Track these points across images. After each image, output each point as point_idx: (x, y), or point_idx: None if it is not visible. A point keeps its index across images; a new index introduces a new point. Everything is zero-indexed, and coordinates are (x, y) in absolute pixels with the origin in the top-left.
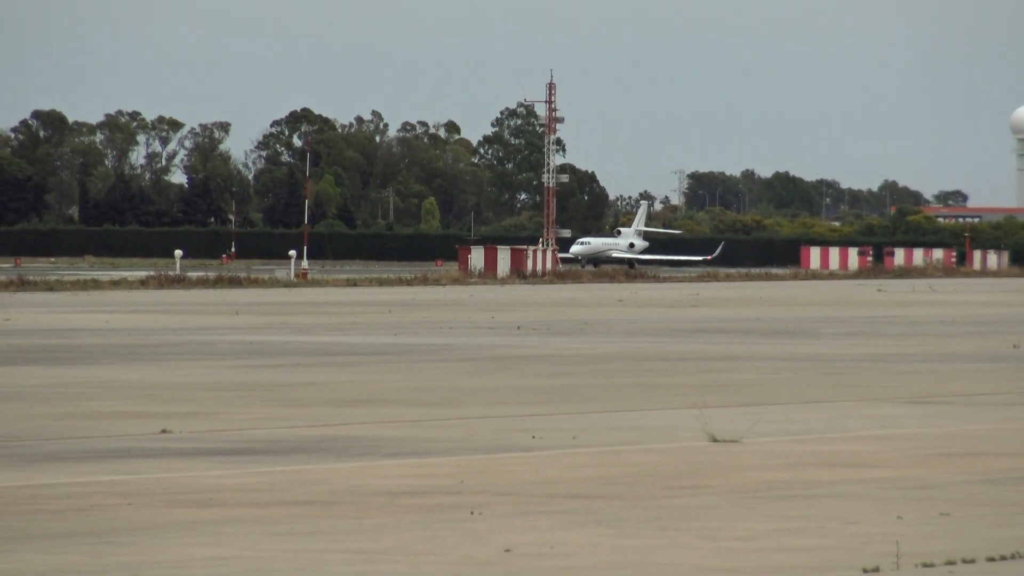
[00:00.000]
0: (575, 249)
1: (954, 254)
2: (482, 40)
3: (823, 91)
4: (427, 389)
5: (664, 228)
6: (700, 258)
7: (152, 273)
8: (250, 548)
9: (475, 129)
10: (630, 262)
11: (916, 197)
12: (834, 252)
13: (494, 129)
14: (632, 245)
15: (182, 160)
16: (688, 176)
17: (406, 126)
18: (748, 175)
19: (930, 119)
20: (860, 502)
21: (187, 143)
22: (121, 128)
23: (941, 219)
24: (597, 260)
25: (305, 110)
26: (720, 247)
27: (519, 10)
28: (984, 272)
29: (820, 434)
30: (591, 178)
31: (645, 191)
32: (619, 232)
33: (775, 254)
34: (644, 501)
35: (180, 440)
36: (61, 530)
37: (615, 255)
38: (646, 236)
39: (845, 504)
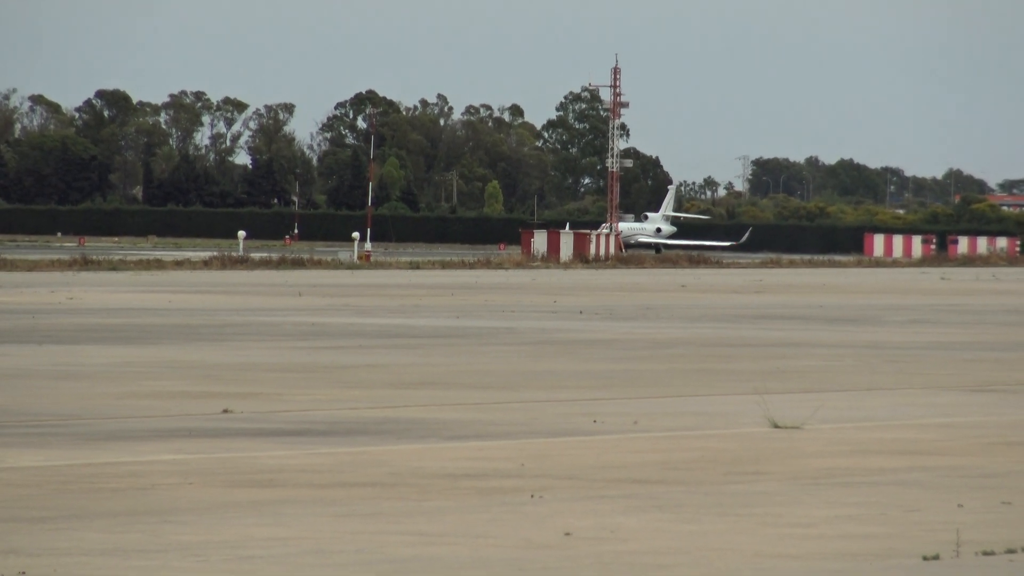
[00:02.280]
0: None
1: (1018, 243)
2: (547, 24)
3: (888, 78)
4: (489, 372)
5: (699, 214)
6: (728, 243)
7: (215, 254)
8: (310, 529)
9: (539, 113)
10: (656, 247)
11: (980, 185)
12: (898, 240)
13: (558, 113)
14: (659, 230)
15: (246, 141)
16: (752, 162)
17: (470, 109)
18: (812, 162)
19: (996, 107)
20: (921, 490)
21: (252, 124)
22: (186, 108)
23: (1005, 207)
24: (625, 244)
25: (370, 92)
26: (748, 232)
27: None
28: None
29: (882, 421)
30: (655, 163)
31: (710, 176)
32: (646, 217)
33: (838, 241)
34: (705, 487)
35: (241, 420)
36: (122, 509)
37: (642, 239)
38: (674, 221)
39: (906, 492)
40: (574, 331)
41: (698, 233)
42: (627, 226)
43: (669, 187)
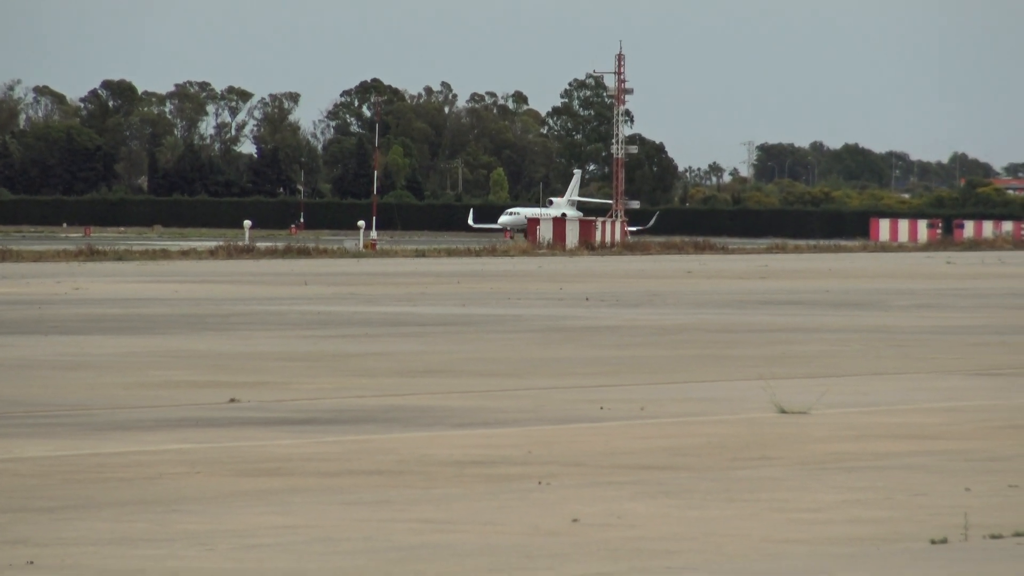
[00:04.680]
0: (503, 220)
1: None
2: (551, 11)
3: (893, 63)
4: (495, 360)
5: (597, 199)
6: (635, 228)
7: (221, 243)
8: (318, 517)
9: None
10: None
11: (986, 169)
12: (903, 224)
13: (563, 100)
14: (564, 215)
15: (251, 130)
16: (757, 148)
17: (475, 97)
18: (817, 147)
19: (1001, 92)
20: (928, 474)
21: (256, 113)
22: (190, 98)
23: (1011, 191)
24: (527, 231)
25: (375, 80)
26: (655, 217)
27: None
28: None
29: (888, 406)
30: (660, 149)
31: (715, 162)
32: (551, 202)
33: (844, 226)
34: (712, 472)
35: (248, 409)
36: (129, 498)
37: None
38: (580, 206)
39: (913, 476)
40: (580, 318)
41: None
42: (530, 211)
43: (575, 171)
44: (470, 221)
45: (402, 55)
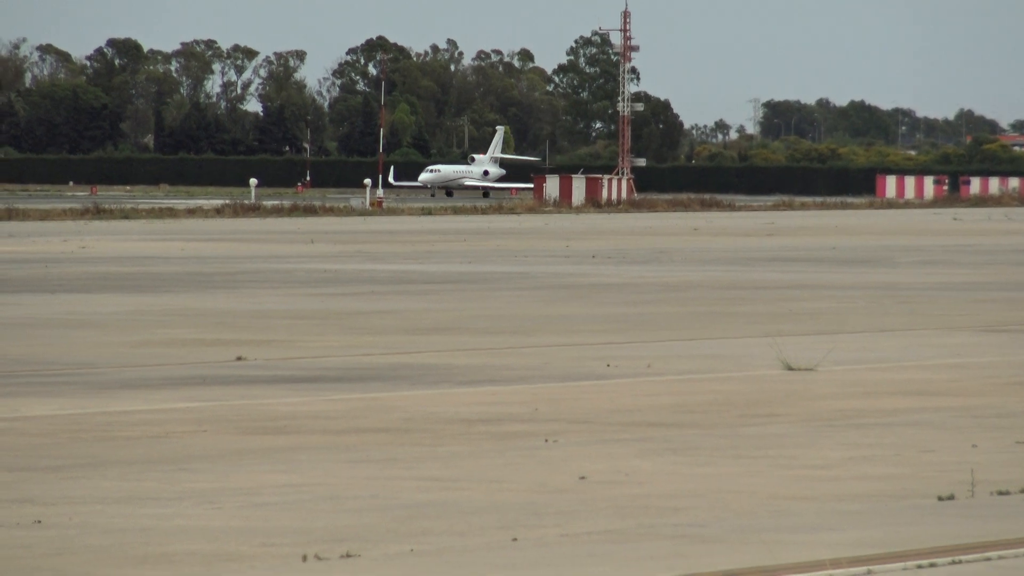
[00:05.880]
0: (423, 177)
1: None
2: None
3: (898, 19)
4: (502, 317)
5: (518, 156)
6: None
7: (227, 202)
8: (324, 475)
9: (550, 58)
10: (485, 191)
11: (992, 126)
12: (910, 181)
13: (569, 58)
14: (487, 173)
15: (257, 88)
16: (763, 105)
17: (481, 54)
18: (823, 104)
19: (1007, 47)
20: (935, 430)
21: (262, 71)
22: (196, 56)
23: (1017, 148)
24: (448, 188)
25: (380, 38)
26: (580, 172)
27: None
28: None
29: (895, 362)
30: (666, 107)
31: (721, 119)
32: (472, 159)
33: (850, 183)
34: (719, 429)
35: (255, 367)
36: (137, 457)
37: (467, 183)
38: (503, 163)
39: (920, 432)
40: (587, 275)
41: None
42: (452, 169)
43: (497, 128)
44: (391, 179)
45: (408, 13)
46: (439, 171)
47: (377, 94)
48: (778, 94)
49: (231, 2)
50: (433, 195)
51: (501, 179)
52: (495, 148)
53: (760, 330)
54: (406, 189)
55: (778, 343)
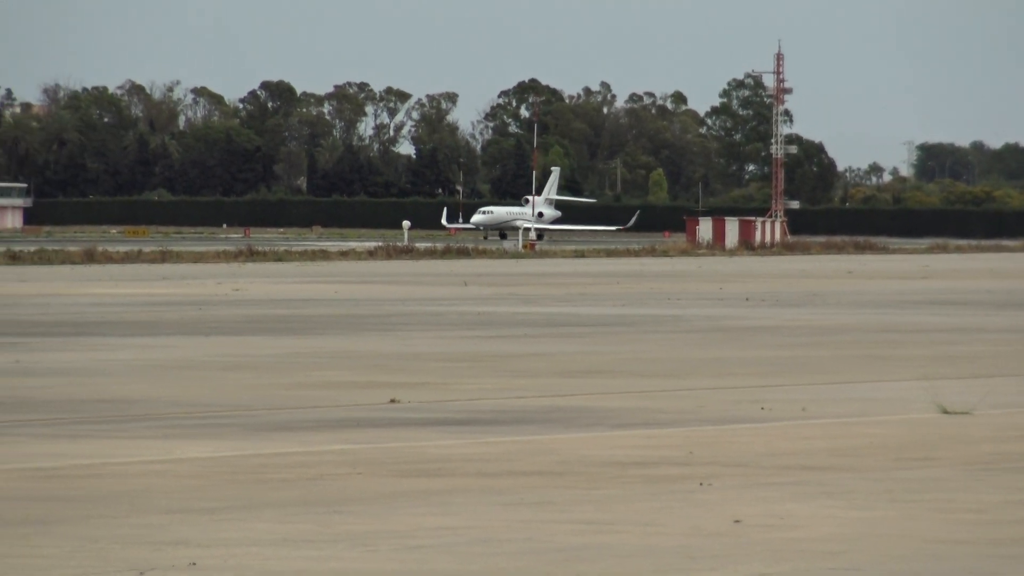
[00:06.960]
0: (476, 219)
1: None
2: (709, 11)
3: None
4: (655, 360)
5: (587, 198)
6: (614, 228)
7: (380, 244)
8: (479, 518)
9: (702, 100)
10: (539, 232)
11: None
12: None
13: (722, 100)
14: (541, 215)
15: (409, 131)
16: (917, 148)
17: (633, 97)
18: (978, 146)
19: None
20: None
21: (414, 114)
22: (349, 99)
23: None
24: (502, 230)
25: (532, 81)
26: (635, 216)
27: None
28: None
29: None
30: (819, 149)
31: (875, 162)
32: (527, 201)
33: (1005, 225)
34: (874, 473)
35: (409, 410)
36: (291, 499)
37: (521, 225)
38: (558, 205)
39: None
40: (740, 318)
41: (585, 218)
42: (505, 211)
43: (552, 169)
44: (443, 221)
45: (560, 55)
46: (492, 212)
47: (529, 136)
48: (932, 137)
49: (383, 44)
50: (486, 237)
51: (555, 221)
52: (550, 189)
53: (915, 373)
54: (460, 231)
55: (933, 386)
